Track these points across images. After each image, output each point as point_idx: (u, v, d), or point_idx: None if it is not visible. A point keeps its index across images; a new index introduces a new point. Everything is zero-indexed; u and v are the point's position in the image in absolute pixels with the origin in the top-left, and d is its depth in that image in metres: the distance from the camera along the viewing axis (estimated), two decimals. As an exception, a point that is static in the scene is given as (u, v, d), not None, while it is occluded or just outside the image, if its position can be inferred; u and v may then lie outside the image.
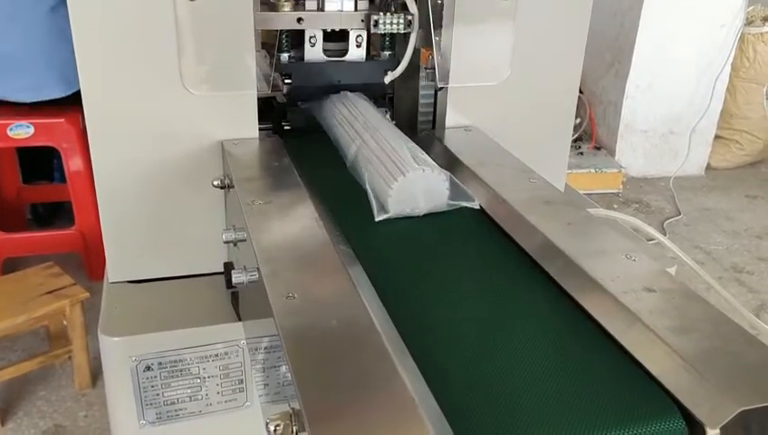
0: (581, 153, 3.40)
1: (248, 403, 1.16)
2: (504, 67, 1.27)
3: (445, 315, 0.79)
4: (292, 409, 0.61)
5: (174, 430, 1.14)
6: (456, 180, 1.03)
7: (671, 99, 3.34)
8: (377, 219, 0.98)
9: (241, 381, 1.15)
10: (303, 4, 1.23)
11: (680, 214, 3.11)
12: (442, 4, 1.21)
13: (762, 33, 3.31)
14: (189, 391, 1.12)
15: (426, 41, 1.27)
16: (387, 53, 1.34)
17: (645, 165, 3.49)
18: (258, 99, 1.15)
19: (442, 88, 1.28)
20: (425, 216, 1.01)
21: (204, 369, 1.12)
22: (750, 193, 3.38)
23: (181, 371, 1.11)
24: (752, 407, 0.60)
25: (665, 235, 2.84)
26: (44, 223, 2.65)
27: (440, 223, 1.00)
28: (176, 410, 1.13)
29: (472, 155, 1.17)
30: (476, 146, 1.24)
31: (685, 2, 3.15)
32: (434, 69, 1.26)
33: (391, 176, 0.99)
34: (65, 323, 1.83)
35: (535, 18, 1.26)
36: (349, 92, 1.31)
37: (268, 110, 1.32)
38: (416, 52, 1.27)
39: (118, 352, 1.08)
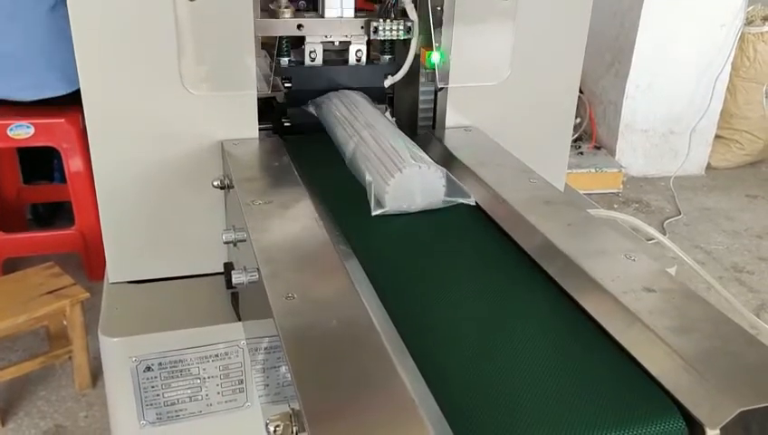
0: (582, 153, 3.40)
1: (248, 404, 1.16)
2: (504, 67, 1.27)
3: (444, 315, 0.79)
4: (292, 409, 0.61)
5: (174, 430, 1.14)
6: (452, 177, 1.03)
7: (671, 98, 3.34)
8: (373, 214, 0.99)
9: (241, 382, 1.15)
10: (303, 11, 1.23)
11: (680, 214, 3.11)
12: (442, 9, 1.21)
13: (762, 33, 3.31)
14: (189, 391, 1.12)
15: (426, 41, 1.27)
16: (387, 57, 1.34)
17: (645, 165, 3.49)
18: (258, 99, 1.16)
19: (442, 88, 1.28)
20: (422, 213, 1.01)
21: (204, 369, 1.12)
22: (750, 193, 3.38)
23: (181, 371, 1.11)
24: (751, 407, 0.60)
25: (665, 234, 2.84)
26: (45, 223, 2.65)
27: (438, 220, 1.00)
28: (176, 411, 1.13)
29: (472, 155, 1.17)
30: (476, 146, 1.24)
31: (685, 2, 3.15)
32: (434, 69, 1.26)
33: (388, 172, 0.99)
34: (65, 323, 1.83)
35: (535, 18, 1.26)
36: (348, 90, 1.31)
37: (268, 110, 1.32)
38: (416, 56, 1.27)
39: (118, 353, 1.08)
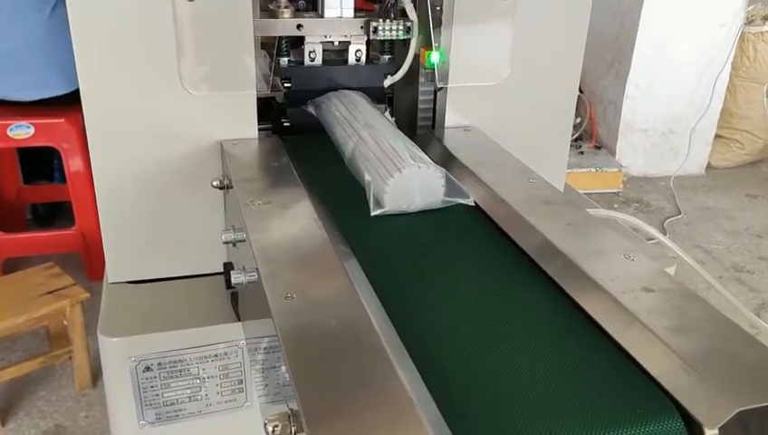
0: (582, 153, 3.40)
1: (248, 404, 1.17)
2: (504, 67, 1.27)
3: (443, 315, 0.79)
4: (291, 409, 0.61)
5: (174, 430, 1.14)
6: (452, 177, 1.03)
7: (671, 98, 3.34)
8: (372, 214, 0.99)
9: (240, 382, 1.15)
10: (303, 11, 1.23)
11: (680, 213, 3.11)
12: (441, 9, 1.21)
13: (762, 33, 3.31)
14: (189, 391, 1.12)
15: (425, 41, 1.27)
16: (386, 56, 1.34)
17: (645, 164, 3.49)
18: (257, 99, 1.16)
19: (441, 88, 1.28)
20: (422, 213, 1.01)
21: (203, 369, 1.12)
22: (750, 192, 3.38)
23: (181, 371, 1.11)
24: (750, 407, 0.60)
25: (665, 234, 2.84)
26: (45, 223, 2.65)
27: (437, 220, 1.00)
28: (175, 411, 1.13)
29: (471, 155, 1.17)
30: (476, 146, 1.24)
31: (685, 1, 3.15)
32: (433, 69, 1.26)
33: (387, 172, 0.99)
34: (65, 323, 1.83)
35: (535, 18, 1.26)
36: (347, 90, 1.31)
37: (267, 110, 1.32)
38: (415, 56, 1.27)
39: (117, 353, 1.08)
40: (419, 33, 1.26)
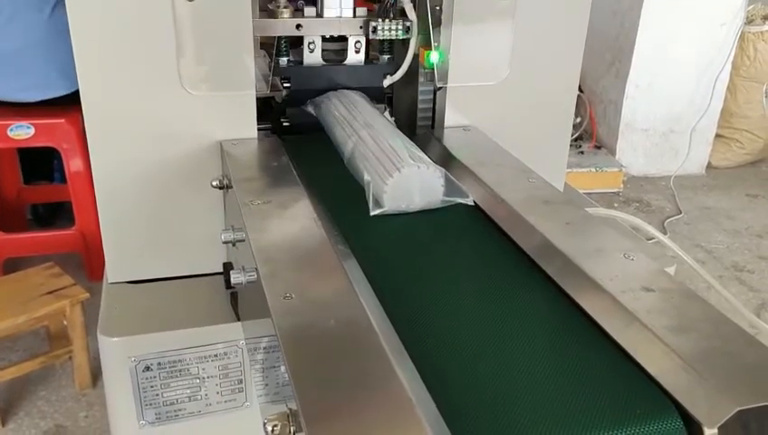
0: (582, 152, 3.40)
1: (247, 403, 1.17)
2: (503, 67, 1.27)
3: (443, 315, 0.79)
4: (290, 409, 0.61)
5: (173, 430, 1.14)
6: (451, 177, 1.03)
7: (671, 98, 3.34)
8: (372, 214, 0.99)
9: (240, 382, 1.15)
10: (302, 11, 1.23)
11: (681, 213, 3.11)
12: (441, 9, 1.21)
13: (762, 32, 3.31)
14: (189, 391, 1.12)
15: (425, 41, 1.27)
16: (385, 56, 1.34)
17: (645, 164, 3.49)
18: (257, 99, 1.16)
19: (441, 88, 1.28)
20: (421, 213, 1.01)
21: (203, 369, 1.12)
22: (751, 192, 3.38)
23: (180, 371, 1.11)
24: (749, 406, 0.60)
25: (665, 234, 2.84)
26: (45, 223, 2.65)
27: (436, 220, 1.00)
28: (175, 411, 1.13)
29: (471, 155, 1.17)
30: (475, 146, 1.24)
31: (685, 1, 3.15)
32: (433, 69, 1.26)
33: (387, 172, 0.99)
34: (66, 323, 1.84)
35: (534, 18, 1.26)
36: (347, 90, 1.31)
37: (267, 110, 1.32)
38: (415, 56, 1.27)
39: (117, 353, 1.08)
40: (419, 33, 1.26)
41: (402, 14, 1.25)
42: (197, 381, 1.12)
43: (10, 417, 1.80)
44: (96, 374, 1.90)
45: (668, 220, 3.03)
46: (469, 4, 1.20)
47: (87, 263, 2.30)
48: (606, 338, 0.75)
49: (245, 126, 1.15)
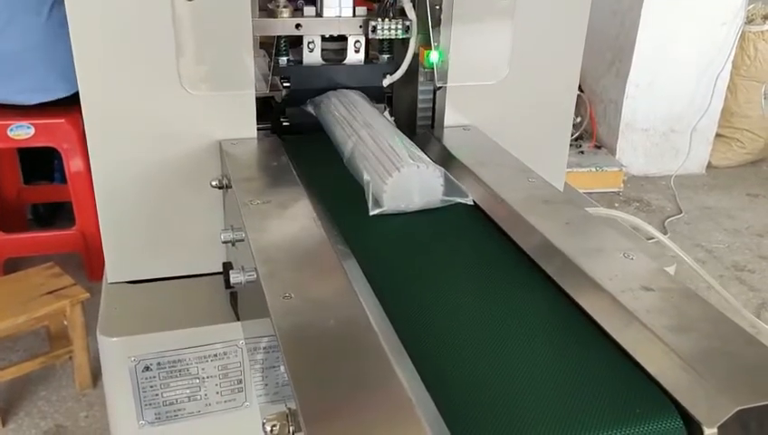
0: (582, 152, 3.40)
1: (247, 403, 1.16)
2: (503, 66, 1.27)
3: (442, 315, 0.79)
4: (289, 409, 0.61)
5: (173, 430, 1.14)
6: (450, 176, 1.03)
7: (672, 97, 3.34)
8: (371, 213, 0.99)
9: (240, 381, 1.15)
10: (302, 10, 1.23)
11: (681, 212, 3.10)
12: (440, 8, 1.21)
13: (762, 32, 3.30)
14: (188, 391, 1.12)
15: (424, 40, 1.27)
16: (385, 56, 1.34)
17: (646, 164, 3.48)
18: (256, 99, 1.15)
19: (441, 87, 1.28)
20: (420, 212, 1.01)
21: (203, 369, 1.12)
22: (751, 191, 3.37)
23: (180, 371, 1.11)
24: (749, 406, 0.60)
25: (666, 233, 2.84)
26: (45, 223, 2.65)
27: (436, 220, 1.00)
28: (175, 411, 1.13)
29: (470, 154, 1.17)
30: (475, 145, 1.23)
31: (685, 0, 3.15)
32: (432, 68, 1.26)
33: (386, 171, 0.99)
34: (66, 323, 1.83)
35: (534, 17, 1.25)
36: (346, 90, 1.31)
37: (267, 110, 1.32)
38: (415, 55, 1.27)
39: (116, 353, 1.08)
40: (418, 33, 1.25)
41: (402, 13, 1.25)
42: (197, 381, 1.12)
43: (10, 417, 1.80)
44: (96, 374, 1.90)
45: (669, 220, 3.03)
46: (469, 3, 1.20)
47: (87, 263, 2.30)
48: (605, 338, 0.75)
49: (245, 126, 1.15)
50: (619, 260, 0.84)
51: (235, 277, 0.82)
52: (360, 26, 1.26)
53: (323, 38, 1.29)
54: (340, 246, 0.91)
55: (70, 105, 2.03)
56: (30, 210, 2.67)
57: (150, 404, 1.11)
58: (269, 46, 1.29)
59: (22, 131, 2.08)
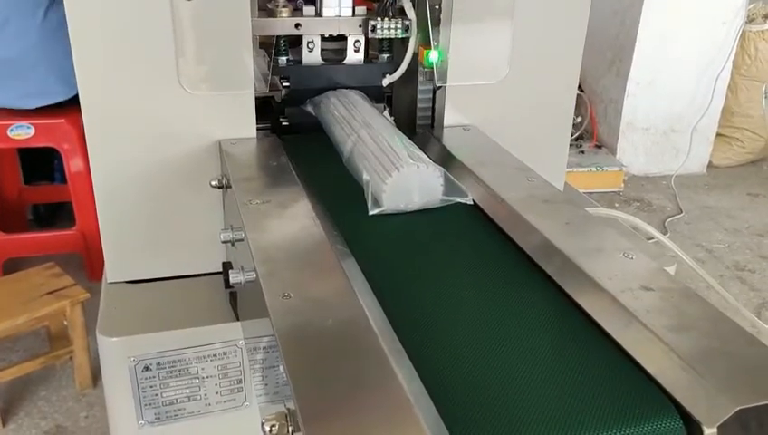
0: (582, 152, 3.39)
1: (247, 403, 1.16)
2: (503, 66, 1.27)
3: (441, 315, 0.79)
4: (288, 409, 0.61)
5: (173, 430, 1.14)
6: (450, 176, 1.03)
7: (672, 97, 3.34)
8: (370, 213, 0.99)
9: (240, 381, 1.15)
10: (301, 10, 1.23)
11: (682, 212, 3.10)
12: (440, 8, 1.21)
13: (763, 31, 3.30)
14: (188, 391, 1.12)
15: (424, 40, 1.27)
16: (385, 55, 1.34)
17: (646, 163, 3.48)
18: (256, 99, 1.15)
19: (440, 87, 1.28)
20: (420, 212, 1.01)
21: (202, 369, 1.12)
22: (752, 191, 3.37)
23: (180, 371, 1.11)
24: (749, 405, 0.59)
25: (666, 233, 2.84)
26: (45, 223, 2.65)
27: (435, 219, 1.00)
28: (174, 411, 1.13)
29: (470, 154, 1.17)
30: (475, 145, 1.23)
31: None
32: (432, 68, 1.26)
33: (386, 171, 0.99)
34: (66, 323, 1.83)
35: (533, 16, 1.25)
36: (346, 90, 1.31)
37: (267, 110, 1.32)
38: (414, 55, 1.27)
39: (116, 353, 1.08)
40: (418, 32, 1.25)
41: (401, 12, 1.25)
42: (197, 381, 1.12)
43: (10, 417, 1.80)
44: (96, 374, 1.89)
45: (669, 219, 3.03)
46: (468, 3, 1.20)
47: (87, 263, 2.30)
48: (605, 337, 0.74)
49: (244, 125, 1.15)
50: (619, 260, 0.83)
51: (234, 277, 0.82)
52: (360, 26, 1.26)
53: (323, 38, 1.29)
54: (340, 245, 0.91)
55: (69, 105, 2.03)
56: (30, 210, 2.67)
57: (150, 404, 1.11)
58: (268, 46, 1.29)
59: (22, 131, 2.08)
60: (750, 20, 3.30)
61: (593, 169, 3.26)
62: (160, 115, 1.11)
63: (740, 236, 2.92)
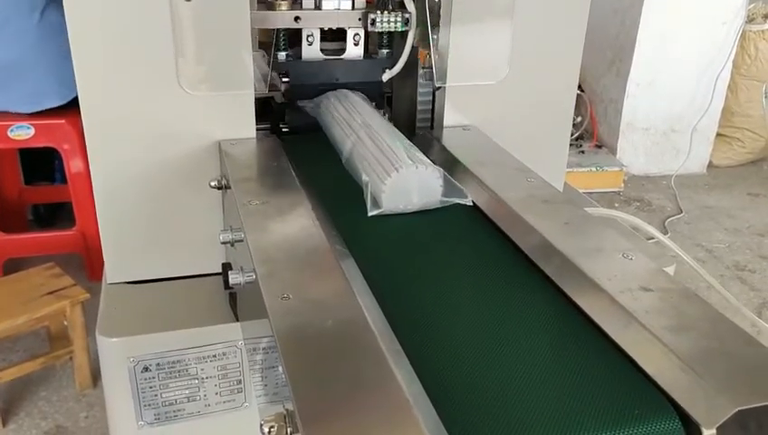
0: (583, 152, 3.39)
1: (246, 404, 1.16)
2: (503, 66, 1.27)
3: (441, 315, 0.79)
4: (287, 410, 0.61)
5: (172, 430, 1.14)
6: (449, 177, 1.03)
7: (672, 97, 3.34)
8: (369, 214, 0.99)
9: (239, 382, 1.15)
10: (300, 3, 1.23)
11: (682, 212, 3.10)
12: (440, 4, 1.21)
13: (763, 31, 3.30)
14: (188, 391, 1.12)
15: (423, 40, 1.27)
16: (384, 51, 1.34)
17: (646, 163, 3.48)
18: (255, 99, 1.15)
19: (440, 87, 1.28)
20: (419, 213, 1.01)
21: (202, 370, 1.12)
22: (752, 191, 3.37)
23: (179, 371, 1.11)
24: (748, 407, 0.59)
25: (666, 233, 2.84)
26: (45, 224, 2.65)
27: (435, 220, 1.00)
28: (174, 411, 1.13)
29: (470, 154, 1.17)
30: (475, 145, 1.23)
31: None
32: (432, 68, 1.26)
33: (385, 172, 0.99)
34: (66, 323, 1.84)
35: (533, 16, 1.25)
36: (345, 90, 1.31)
37: (267, 110, 1.32)
38: (413, 50, 1.27)
39: (116, 353, 1.08)
40: (417, 25, 1.25)
41: (401, 6, 1.25)
42: (196, 381, 1.12)
43: (11, 417, 1.80)
44: (97, 375, 1.89)
45: (669, 219, 3.03)
46: (468, 2, 1.20)
47: (87, 263, 2.30)
48: (604, 338, 0.74)
49: (244, 126, 1.15)
50: (619, 260, 0.83)
51: (233, 278, 0.82)
52: (359, 19, 1.25)
53: (323, 37, 1.28)
54: (339, 246, 0.91)
55: (69, 106, 2.03)
56: (30, 211, 2.67)
57: (150, 405, 1.11)
58: (268, 46, 1.29)
59: (22, 132, 2.08)
60: (750, 20, 3.29)
61: (593, 169, 3.26)
62: (160, 116, 1.11)
63: (740, 236, 2.92)
